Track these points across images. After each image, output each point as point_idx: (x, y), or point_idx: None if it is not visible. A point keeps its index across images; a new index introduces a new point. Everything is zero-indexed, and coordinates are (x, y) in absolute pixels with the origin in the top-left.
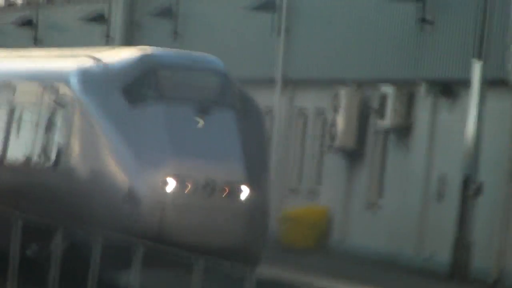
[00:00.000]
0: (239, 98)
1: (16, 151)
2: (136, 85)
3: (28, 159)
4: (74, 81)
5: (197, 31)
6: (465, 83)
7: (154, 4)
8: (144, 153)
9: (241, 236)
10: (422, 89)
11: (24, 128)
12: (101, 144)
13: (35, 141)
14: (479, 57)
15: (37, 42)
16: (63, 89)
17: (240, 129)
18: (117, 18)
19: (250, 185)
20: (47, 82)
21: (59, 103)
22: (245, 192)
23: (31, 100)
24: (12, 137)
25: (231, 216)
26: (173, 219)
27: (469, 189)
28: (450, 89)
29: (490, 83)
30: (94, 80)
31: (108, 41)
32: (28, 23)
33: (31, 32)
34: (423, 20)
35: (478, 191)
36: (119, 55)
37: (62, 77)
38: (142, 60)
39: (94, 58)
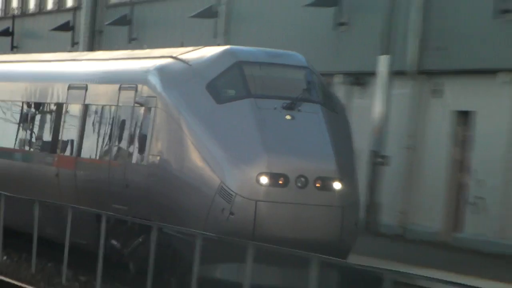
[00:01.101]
0: (325, 93)
1: (104, 152)
2: (221, 82)
3: (115, 158)
4: (154, 78)
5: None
6: (373, 74)
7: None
8: (235, 150)
9: (334, 230)
10: (338, 80)
11: (112, 130)
12: (185, 142)
13: (122, 141)
14: (385, 52)
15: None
16: (143, 90)
17: (328, 124)
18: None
19: (341, 179)
20: (131, 81)
21: (142, 102)
22: (336, 186)
23: (114, 101)
24: (101, 137)
25: (324, 211)
26: (266, 214)
27: (377, 160)
28: (361, 79)
29: (394, 73)
30: (171, 77)
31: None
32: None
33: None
34: (339, 23)
35: (384, 162)
36: (200, 54)
37: (143, 76)
38: (226, 55)
39: (174, 58)
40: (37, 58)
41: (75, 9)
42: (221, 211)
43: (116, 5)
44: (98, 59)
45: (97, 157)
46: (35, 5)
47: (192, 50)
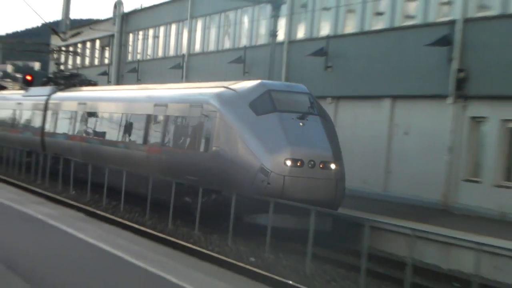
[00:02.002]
0: (319, 109)
1: (182, 145)
2: (258, 102)
3: (188, 148)
4: (215, 100)
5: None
6: None
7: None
8: (269, 144)
9: (331, 193)
10: None
11: (185, 132)
12: (236, 138)
13: (193, 138)
14: None
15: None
16: (208, 106)
17: (324, 127)
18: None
19: (334, 162)
20: (200, 101)
21: (207, 114)
22: (332, 166)
23: (190, 113)
24: (178, 135)
25: (325, 182)
26: (290, 184)
27: None
28: None
29: None
30: (227, 98)
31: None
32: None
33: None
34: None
35: None
36: (241, 85)
37: (208, 98)
38: (260, 86)
39: (227, 86)
40: (132, 88)
41: (109, 64)
42: (261, 182)
43: (130, 62)
44: (172, 88)
45: (175, 147)
46: None
47: (235, 83)
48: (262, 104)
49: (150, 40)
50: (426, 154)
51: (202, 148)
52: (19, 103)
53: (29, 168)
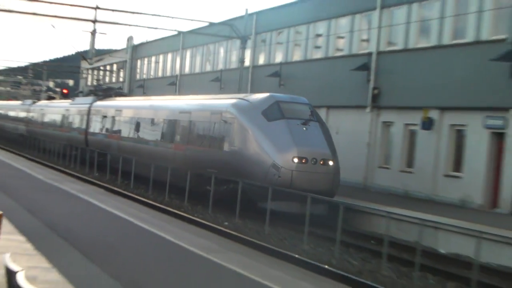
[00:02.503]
0: (318, 116)
1: (206, 144)
2: (269, 111)
3: (210, 148)
4: (233, 108)
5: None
6: None
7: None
8: (279, 145)
9: (329, 184)
10: None
11: (207, 134)
12: (252, 140)
13: (214, 139)
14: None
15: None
16: (227, 113)
17: (322, 131)
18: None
19: (332, 159)
20: (219, 109)
21: (226, 120)
22: (330, 163)
23: (210, 119)
24: (200, 136)
25: (324, 175)
26: (297, 177)
27: None
28: None
29: None
30: (243, 107)
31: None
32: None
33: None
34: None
35: None
36: (254, 97)
37: (227, 107)
38: (270, 98)
39: (242, 97)
40: (158, 98)
41: (123, 82)
42: (273, 175)
43: (138, 80)
44: (194, 99)
45: (198, 145)
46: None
47: (248, 95)
48: (272, 112)
49: (153, 64)
50: (351, 148)
51: (221, 147)
52: (67, 109)
53: (74, 158)
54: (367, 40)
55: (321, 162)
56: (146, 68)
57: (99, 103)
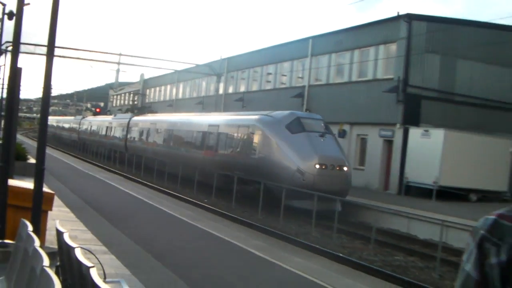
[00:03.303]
0: (329, 129)
1: (234, 151)
2: (292, 125)
3: (239, 154)
4: (259, 123)
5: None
6: None
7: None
8: (302, 154)
9: (344, 186)
10: None
11: (235, 143)
12: (278, 149)
13: (242, 147)
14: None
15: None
16: (254, 127)
17: (336, 142)
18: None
19: (346, 165)
20: (246, 124)
21: (254, 132)
22: (345, 168)
23: (239, 132)
24: (231, 146)
25: (341, 178)
26: (319, 180)
27: None
28: None
29: None
30: (268, 122)
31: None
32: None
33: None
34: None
35: None
36: (277, 113)
37: (253, 121)
38: (292, 114)
39: (266, 114)
40: (183, 114)
41: (137, 105)
42: (298, 178)
43: (147, 103)
44: (219, 115)
45: (227, 152)
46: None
47: (271, 112)
48: (295, 126)
49: (157, 93)
50: None
51: (251, 155)
52: (110, 122)
53: (113, 159)
54: (302, 77)
55: (337, 168)
56: (153, 95)
57: (135, 118)
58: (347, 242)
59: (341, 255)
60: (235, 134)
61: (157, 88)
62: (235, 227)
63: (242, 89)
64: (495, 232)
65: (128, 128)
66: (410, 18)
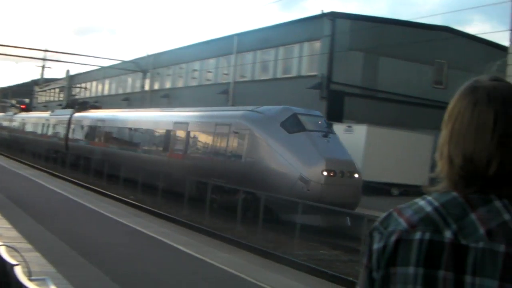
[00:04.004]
0: (331, 127)
1: (211, 154)
2: (288, 123)
3: (217, 158)
4: (245, 120)
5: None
6: None
7: None
8: (305, 157)
9: (356, 197)
10: None
11: (210, 145)
12: (273, 152)
13: (222, 150)
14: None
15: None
16: (238, 125)
17: (340, 142)
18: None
19: (357, 171)
20: (227, 122)
21: (236, 132)
22: (356, 175)
23: (217, 131)
24: (215, 146)
25: (351, 188)
26: (326, 190)
27: None
28: None
29: None
30: (258, 119)
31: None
32: None
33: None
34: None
35: None
36: (266, 108)
37: (237, 119)
38: (286, 110)
39: (251, 110)
40: (152, 111)
41: (63, 101)
42: (301, 188)
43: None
44: (192, 112)
45: (198, 155)
46: None
47: (257, 107)
48: (292, 124)
49: (83, 89)
50: None
51: (232, 158)
52: (48, 119)
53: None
54: (227, 74)
55: (348, 175)
56: (79, 91)
57: (77, 114)
58: (272, 237)
59: (266, 249)
60: (211, 134)
61: (83, 85)
62: (160, 223)
63: (168, 85)
64: (384, 223)
65: (69, 125)
66: (334, 16)
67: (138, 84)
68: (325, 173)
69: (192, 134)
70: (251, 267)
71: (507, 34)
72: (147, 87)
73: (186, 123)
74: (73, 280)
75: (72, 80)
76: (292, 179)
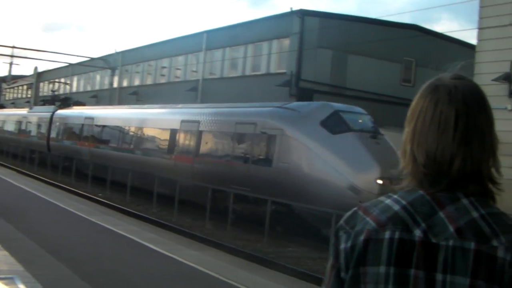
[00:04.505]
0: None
1: (229, 158)
2: (329, 122)
3: (239, 162)
4: (275, 118)
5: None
6: None
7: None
8: (355, 163)
9: None
10: None
11: (229, 146)
12: (312, 157)
13: (245, 152)
14: None
15: None
16: (265, 124)
17: (391, 145)
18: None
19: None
20: (251, 120)
21: (264, 132)
22: None
23: (237, 130)
24: (234, 149)
25: None
26: None
27: None
28: None
29: None
30: (292, 118)
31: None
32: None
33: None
34: (96, 101)
35: None
36: (300, 104)
37: (264, 117)
38: (327, 106)
39: (280, 106)
40: (151, 107)
41: (31, 98)
42: (350, 199)
43: (41, 96)
44: (203, 108)
45: (212, 158)
46: None
47: (287, 103)
48: (335, 123)
49: (51, 86)
50: None
51: (260, 162)
52: (25, 117)
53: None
54: (196, 71)
55: (398, 182)
56: (47, 88)
57: (60, 111)
58: (241, 235)
59: (235, 247)
60: (230, 134)
61: (62, 80)
62: (130, 221)
63: (137, 82)
64: (350, 222)
65: (51, 123)
66: (303, 14)
67: (106, 81)
68: (379, 181)
69: (204, 134)
70: (220, 264)
71: (475, 32)
72: (115, 84)
73: (197, 122)
74: (41, 279)
75: (40, 77)
76: (339, 188)
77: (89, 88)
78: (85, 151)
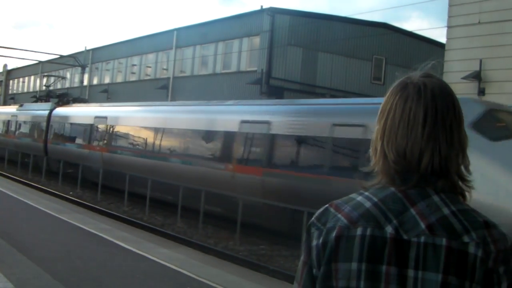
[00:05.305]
0: None
1: (337, 169)
2: (485, 124)
3: (350, 174)
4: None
5: None
6: None
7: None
8: None
9: None
10: None
11: (345, 153)
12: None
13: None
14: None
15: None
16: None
17: None
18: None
19: None
20: (351, 121)
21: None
22: None
23: (347, 134)
24: (333, 158)
25: None
26: None
27: None
28: None
29: None
30: None
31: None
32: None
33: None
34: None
35: None
36: None
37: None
38: (474, 104)
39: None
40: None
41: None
42: None
43: (10, 94)
44: (270, 105)
45: (300, 171)
46: None
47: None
48: (491, 126)
49: (21, 84)
50: None
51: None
52: (15, 115)
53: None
54: (166, 69)
55: None
56: (16, 86)
57: (60, 109)
58: (213, 233)
59: (206, 245)
60: (323, 139)
61: (21, 79)
62: (101, 219)
63: (107, 80)
64: (321, 218)
65: (49, 123)
66: (273, 11)
67: (77, 79)
68: None
69: (279, 138)
70: (192, 262)
71: (445, 30)
72: (86, 82)
73: (267, 123)
74: (11, 277)
75: (9, 74)
76: (508, 214)
77: (59, 86)
78: (96, 156)
